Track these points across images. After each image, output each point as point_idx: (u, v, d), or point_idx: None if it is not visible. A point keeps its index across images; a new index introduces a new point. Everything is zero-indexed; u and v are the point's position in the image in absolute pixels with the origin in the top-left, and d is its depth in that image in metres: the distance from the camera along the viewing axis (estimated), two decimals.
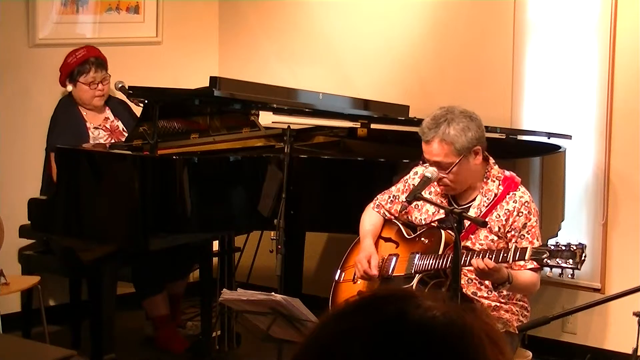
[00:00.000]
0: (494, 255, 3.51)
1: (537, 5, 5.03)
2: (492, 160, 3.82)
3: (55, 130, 5.15)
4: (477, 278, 3.76)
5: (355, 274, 3.96)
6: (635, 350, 3.60)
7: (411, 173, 3.96)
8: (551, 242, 3.56)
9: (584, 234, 4.95)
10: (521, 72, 5.10)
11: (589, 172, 4.95)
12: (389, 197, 3.99)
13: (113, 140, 5.14)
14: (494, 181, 3.77)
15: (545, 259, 3.40)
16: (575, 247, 3.40)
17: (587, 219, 4.98)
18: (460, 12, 5.29)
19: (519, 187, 3.77)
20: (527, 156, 4.61)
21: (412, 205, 3.86)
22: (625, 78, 4.81)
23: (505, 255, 3.50)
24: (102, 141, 5.17)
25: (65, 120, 5.16)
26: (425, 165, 3.88)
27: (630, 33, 4.78)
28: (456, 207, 3.70)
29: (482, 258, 3.50)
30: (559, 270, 3.42)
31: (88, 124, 5.19)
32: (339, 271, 4.03)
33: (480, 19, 5.23)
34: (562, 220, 4.84)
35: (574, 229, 4.91)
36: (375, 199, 4.03)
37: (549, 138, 4.80)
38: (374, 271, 3.79)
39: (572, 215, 4.91)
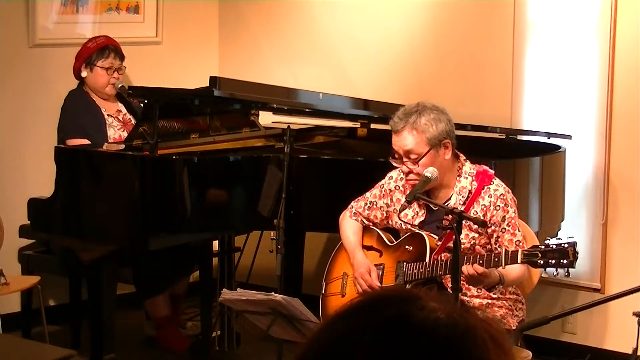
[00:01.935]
0: (484, 260, 3.49)
1: (537, 5, 5.03)
2: (462, 157, 3.80)
3: (69, 115, 5.11)
4: (464, 278, 3.75)
5: (342, 287, 3.94)
6: (635, 350, 3.61)
7: (386, 178, 3.94)
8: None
9: (583, 234, 4.95)
10: (521, 72, 5.10)
11: (589, 172, 4.95)
12: (365, 203, 3.96)
13: (126, 132, 5.14)
14: (466, 178, 3.75)
15: (538, 261, 3.39)
16: (566, 245, 3.39)
17: (587, 219, 4.98)
18: (460, 12, 5.30)
19: (493, 180, 3.74)
20: (527, 156, 4.62)
21: (392, 209, 3.86)
22: (625, 78, 4.81)
23: (496, 259, 3.48)
24: (116, 129, 5.18)
25: (80, 104, 5.16)
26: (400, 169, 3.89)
27: (630, 33, 4.78)
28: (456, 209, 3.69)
29: (472, 264, 3.48)
30: (553, 270, 3.41)
31: (103, 110, 5.20)
32: (324, 284, 4.02)
33: (480, 19, 5.23)
34: (562, 220, 4.84)
35: (574, 229, 4.91)
36: (350, 207, 4.01)
37: (549, 138, 4.81)
38: (378, 282, 3.78)
39: (572, 215, 4.92)
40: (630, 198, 4.87)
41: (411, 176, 3.70)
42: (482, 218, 3.63)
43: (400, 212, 3.89)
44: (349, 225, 3.98)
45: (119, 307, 4.86)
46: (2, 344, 4.05)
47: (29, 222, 4.89)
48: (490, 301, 3.76)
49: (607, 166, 4.89)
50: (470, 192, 3.72)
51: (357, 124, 5.36)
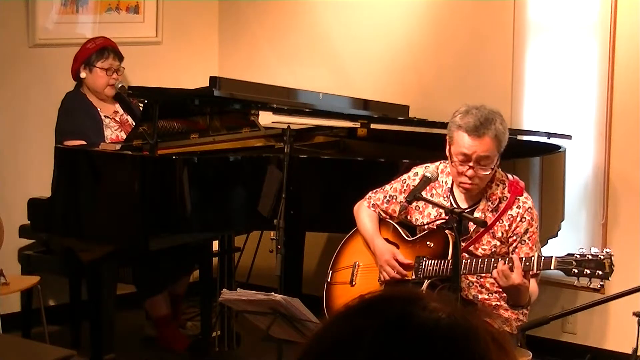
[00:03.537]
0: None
1: (537, 5, 5.03)
2: None
3: (66, 116, 5.10)
4: (477, 281, 3.74)
5: (352, 276, 3.93)
6: (635, 350, 3.61)
7: (411, 174, 3.89)
8: (573, 249, 3.48)
9: (583, 234, 4.95)
10: (521, 72, 5.10)
11: (589, 172, 4.95)
12: (385, 197, 3.93)
13: (123, 133, 5.14)
14: (497, 185, 3.73)
15: (573, 269, 3.39)
16: (603, 257, 3.38)
17: (587, 219, 4.98)
18: (460, 12, 5.30)
19: (523, 192, 3.75)
20: (527, 156, 4.61)
21: (413, 206, 3.83)
22: (625, 78, 4.81)
23: (527, 264, 3.47)
24: (113, 129, 5.18)
25: (77, 105, 5.15)
26: (426, 165, 3.87)
27: (630, 33, 4.78)
28: (458, 208, 3.68)
29: (504, 262, 3.47)
30: (586, 279, 3.40)
31: (99, 111, 5.19)
32: (330, 272, 4.01)
33: (480, 19, 5.23)
34: (562, 220, 4.84)
35: (574, 229, 4.92)
36: (368, 197, 3.97)
37: (549, 138, 4.80)
38: (407, 263, 3.75)
39: (572, 215, 4.91)
40: (630, 198, 4.87)
41: (476, 180, 3.62)
42: (482, 219, 3.63)
43: (400, 212, 3.89)
44: (366, 214, 3.95)
45: (119, 307, 4.85)
46: (2, 344, 4.05)
47: (29, 222, 4.89)
48: (498, 303, 3.75)
49: (607, 166, 4.89)
50: (500, 199, 3.71)
51: (357, 124, 5.36)
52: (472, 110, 3.63)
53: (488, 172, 3.61)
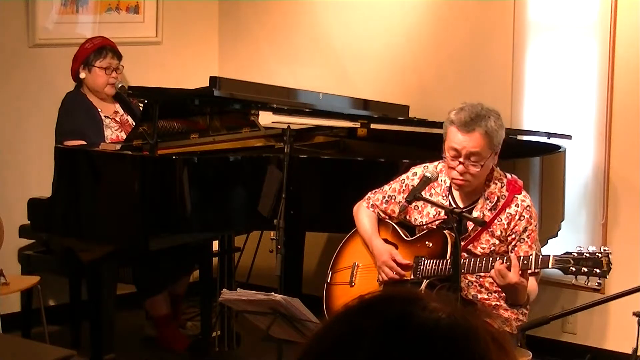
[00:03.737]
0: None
1: (537, 5, 5.03)
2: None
3: (66, 117, 5.10)
4: (477, 281, 3.74)
5: (352, 276, 3.93)
6: (635, 350, 3.61)
7: (409, 173, 3.90)
8: (573, 249, 3.48)
9: (583, 234, 4.95)
10: (521, 72, 5.10)
11: (588, 172, 4.95)
12: (384, 197, 3.93)
13: (123, 133, 5.14)
14: (495, 184, 3.73)
15: (571, 267, 3.39)
16: (600, 255, 3.38)
17: (587, 219, 4.98)
18: (460, 12, 5.30)
19: (521, 190, 3.75)
20: (527, 156, 4.61)
21: (412, 206, 3.83)
22: (625, 78, 4.81)
23: (525, 262, 3.47)
24: (113, 130, 5.18)
25: (77, 105, 5.14)
26: (425, 165, 3.87)
27: (630, 33, 4.78)
28: (457, 207, 3.68)
29: (502, 262, 3.47)
30: (584, 278, 3.41)
31: (100, 112, 5.19)
32: (330, 273, 4.01)
33: (480, 19, 5.23)
34: (562, 220, 4.84)
35: (574, 229, 4.92)
36: (367, 197, 3.97)
37: (549, 138, 4.80)
38: (405, 264, 3.75)
39: (572, 215, 4.92)
40: (630, 198, 4.87)
41: (467, 176, 3.63)
42: (482, 219, 3.63)
43: (400, 212, 3.88)
44: (365, 215, 3.95)
45: (119, 307, 4.85)
46: (2, 344, 4.05)
47: (29, 222, 4.89)
48: (498, 303, 3.75)
49: (607, 166, 4.89)
50: (498, 198, 3.71)
51: (357, 124, 5.36)
52: (467, 107, 3.65)
53: (478, 169, 3.62)
